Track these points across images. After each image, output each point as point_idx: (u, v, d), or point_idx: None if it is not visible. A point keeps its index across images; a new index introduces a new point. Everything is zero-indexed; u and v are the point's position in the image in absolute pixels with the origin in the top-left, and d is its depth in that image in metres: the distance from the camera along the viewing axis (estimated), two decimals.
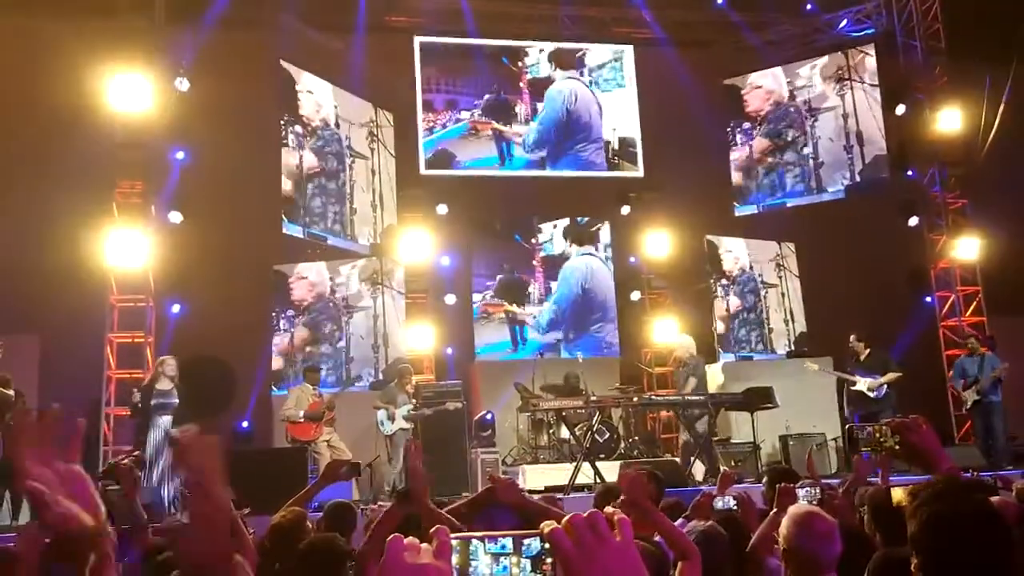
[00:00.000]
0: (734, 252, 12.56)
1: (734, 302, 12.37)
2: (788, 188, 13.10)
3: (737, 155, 13.37)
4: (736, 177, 13.31)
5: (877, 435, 2.37)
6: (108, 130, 9.78)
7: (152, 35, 10.08)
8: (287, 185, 11.01)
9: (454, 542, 0.93)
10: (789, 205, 13.08)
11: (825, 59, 13.15)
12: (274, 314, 11.02)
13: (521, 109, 12.99)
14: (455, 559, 0.93)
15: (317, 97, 11.60)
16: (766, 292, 12.63)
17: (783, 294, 12.71)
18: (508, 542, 0.96)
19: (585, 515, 0.92)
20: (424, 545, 0.91)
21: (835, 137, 12.94)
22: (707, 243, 12.36)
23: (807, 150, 13.05)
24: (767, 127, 13.27)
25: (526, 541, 0.96)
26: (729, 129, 13.41)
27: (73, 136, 10.33)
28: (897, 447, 1.81)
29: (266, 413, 10.44)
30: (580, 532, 0.90)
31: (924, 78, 12.29)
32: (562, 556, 0.90)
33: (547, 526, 0.92)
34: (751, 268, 12.61)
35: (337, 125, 11.78)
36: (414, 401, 9.34)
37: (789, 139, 13.17)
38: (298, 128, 11.28)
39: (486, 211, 12.92)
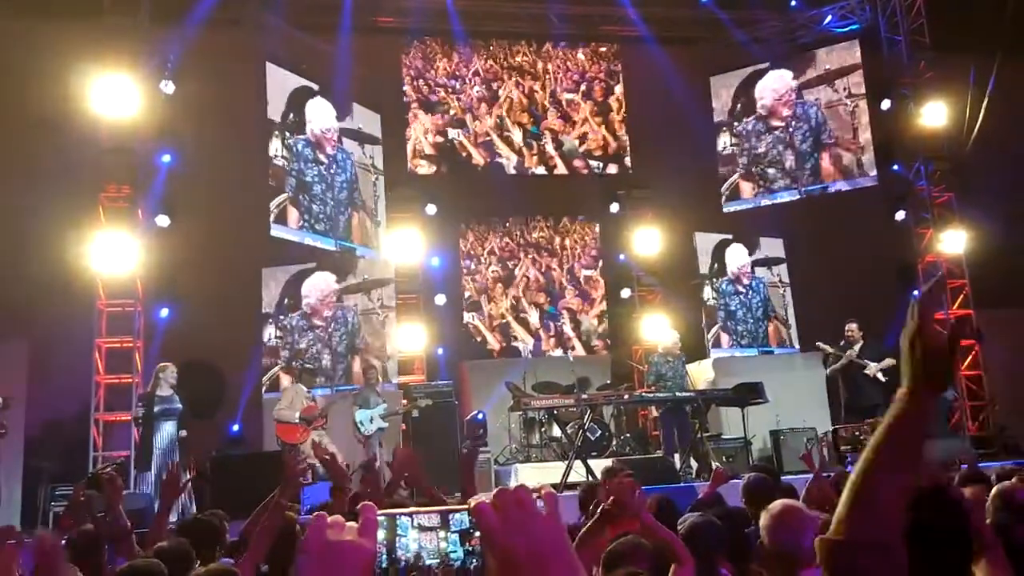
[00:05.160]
0: (738, 257, 12.62)
1: (745, 301, 12.48)
2: (812, 180, 13.10)
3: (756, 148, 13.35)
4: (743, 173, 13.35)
5: (856, 433, 2.40)
6: (93, 133, 9.72)
7: (137, 36, 10.02)
8: (298, 196, 11.07)
9: (381, 518, 0.93)
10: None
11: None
12: (280, 318, 11.00)
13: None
14: (382, 535, 0.93)
15: (323, 117, 11.61)
16: (784, 291, 12.72)
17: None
18: (436, 517, 0.95)
19: (511, 489, 0.92)
20: (350, 524, 0.90)
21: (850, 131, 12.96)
22: (713, 245, 12.45)
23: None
24: (789, 121, 13.25)
25: (454, 516, 0.95)
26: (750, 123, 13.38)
27: (58, 140, 10.26)
28: None
29: (257, 416, 10.41)
30: (506, 507, 0.90)
31: (909, 73, 12.33)
32: (487, 530, 0.89)
33: (474, 500, 0.91)
34: (768, 269, 12.72)
35: (340, 141, 11.78)
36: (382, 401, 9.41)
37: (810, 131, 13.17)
38: (301, 145, 11.27)
39: (477, 211, 12.94)
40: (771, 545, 2.41)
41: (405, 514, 0.95)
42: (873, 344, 9.84)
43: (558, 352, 12.62)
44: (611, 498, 2.75)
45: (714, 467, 8.51)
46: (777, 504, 2.53)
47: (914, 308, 1.19)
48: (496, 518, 0.89)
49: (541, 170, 13.27)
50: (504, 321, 12.79)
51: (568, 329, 13.00)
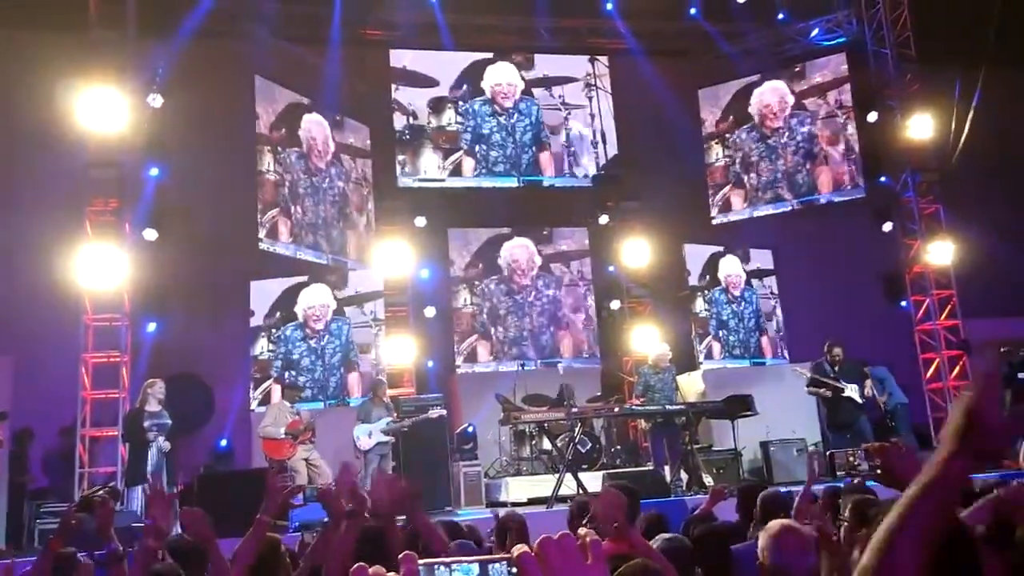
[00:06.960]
0: (732, 268, 12.66)
1: (737, 311, 12.52)
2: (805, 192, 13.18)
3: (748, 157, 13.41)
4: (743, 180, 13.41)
5: (851, 459, 2.41)
6: (80, 147, 9.65)
7: (124, 50, 9.97)
8: (291, 210, 11.02)
9: (420, 568, 0.92)
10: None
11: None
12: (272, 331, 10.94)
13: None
14: None
15: (315, 130, 11.57)
16: (775, 302, 12.78)
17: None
18: (475, 567, 0.94)
19: (556, 537, 0.91)
20: (391, 575, 0.89)
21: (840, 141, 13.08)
22: (703, 256, 12.49)
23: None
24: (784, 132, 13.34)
25: (493, 566, 0.94)
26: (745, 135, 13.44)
27: (45, 154, 10.22)
28: (878, 471, 1.82)
29: (245, 430, 10.35)
30: (550, 555, 0.89)
31: (895, 85, 12.43)
32: None
33: (517, 550, 0.90)
34: (761, 280, 12.79)
35: (333, 154, 11.76)
36: (392, 415, 9.28)
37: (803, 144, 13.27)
38: (293, 158, 11.25)
39: (465, 223, 12.89)
40: (771, 565, 2.41)
41: (444, 564, 0.94)
42: (851, 362, 10.01)
43: (529, 368, 12.27)
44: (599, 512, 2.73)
45: (707, 482, 8.53)
46: (775, 524, 2.53)
47: (979, 380, 1.15)
48: (540, 568, 0.88)
49: (515, 184, 13.12)
50: (472, 338, 12.57)
51: (532, 350, 12.68)
